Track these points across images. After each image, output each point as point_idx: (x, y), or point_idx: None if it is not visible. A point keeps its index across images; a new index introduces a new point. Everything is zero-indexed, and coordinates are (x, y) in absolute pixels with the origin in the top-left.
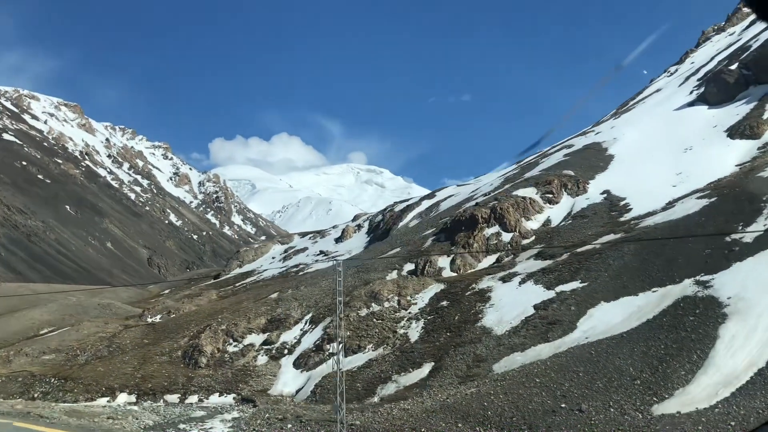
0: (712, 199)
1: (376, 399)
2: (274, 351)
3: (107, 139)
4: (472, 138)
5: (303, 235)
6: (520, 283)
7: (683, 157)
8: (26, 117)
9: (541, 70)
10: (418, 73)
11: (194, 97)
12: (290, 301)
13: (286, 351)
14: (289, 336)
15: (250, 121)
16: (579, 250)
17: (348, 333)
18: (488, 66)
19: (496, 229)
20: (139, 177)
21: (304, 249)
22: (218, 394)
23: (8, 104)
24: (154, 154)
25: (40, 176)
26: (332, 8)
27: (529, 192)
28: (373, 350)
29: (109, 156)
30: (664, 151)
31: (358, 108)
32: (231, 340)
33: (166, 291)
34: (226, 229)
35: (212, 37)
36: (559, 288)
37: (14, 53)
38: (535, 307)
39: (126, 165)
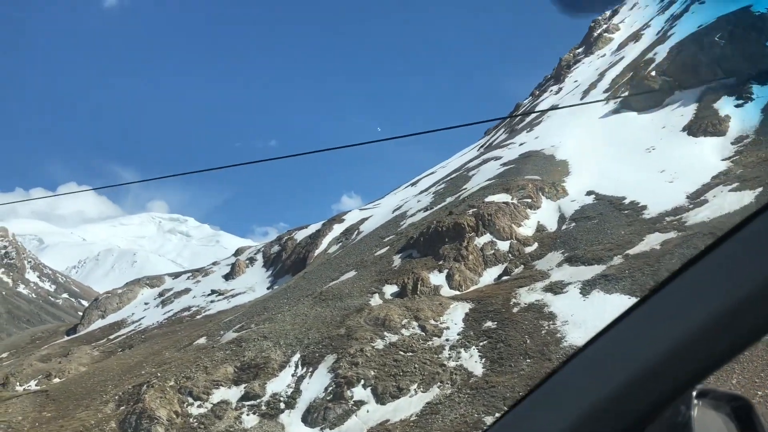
0: (758, 190)
1: None
2: (264, 407)
3: None
4: (277, 183)
5: (175, 275)
6: (582, 293)
7: (652, 157)
8: None
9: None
10: (222, 119)
11: None
12: (258, 341)
13: (282, 405)
14: (279, 385)
15: (29, 170)
16: (631, 252)
17: (372, 372)
18: (293, 111)
19: (488, 237)
20: None
21: (186, 290)
22: None
23: None
24: None
25: None
26: (122, 46)
27: (502, 198)
28: (422, 391)
29: None
30: (622, 154)
31: (156, 154)
32: (190, 399)
33: (5, 354)
34: (22, 288)
35: None
36: None
37: None
38: None
39: None
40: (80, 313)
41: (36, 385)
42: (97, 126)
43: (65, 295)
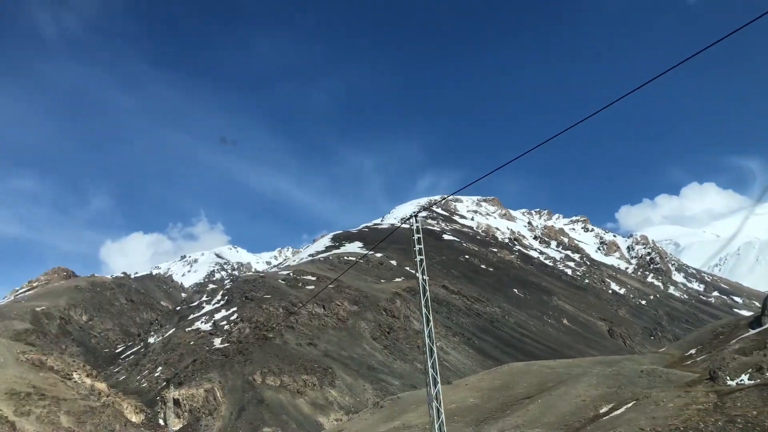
0: None
1: None
2: None
3: (529, 223)
4: None
5: None
6: None
7: None
8: (456, 218)
9: None
10: None
11: (595, 168)
12: None
13: None
14: None
15: (650, 181)
16: None
17: None
18: None
19: None
20: (568, 252)
21: None
22: None
23: (440, 210)
24: (574, 229)
25: (482, 266)
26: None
27: None
28: None
29: (535, 238)
30: None
31: None
32: None
33: (692, 351)
34: (672, 290)
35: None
36: None
37: (429, 175)
38: None
39: (553, 243)
40: (735, 310)
41: (748, 379)
42: (710, 117)
43: (715, 293)
